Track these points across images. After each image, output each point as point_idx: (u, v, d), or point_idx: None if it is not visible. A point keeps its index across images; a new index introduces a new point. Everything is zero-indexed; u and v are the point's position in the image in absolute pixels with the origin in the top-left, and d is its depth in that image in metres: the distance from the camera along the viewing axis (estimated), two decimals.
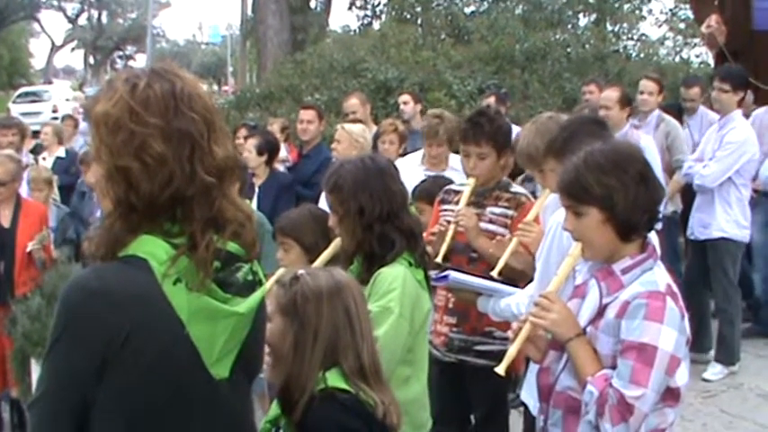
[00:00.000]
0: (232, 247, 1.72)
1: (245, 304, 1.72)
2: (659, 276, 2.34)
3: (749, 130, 5.90)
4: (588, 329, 2.36)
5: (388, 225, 2.77)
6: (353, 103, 7.09)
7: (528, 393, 3.19)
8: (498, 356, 3.72)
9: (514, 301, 3.15)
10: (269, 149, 5.93)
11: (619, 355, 2.26)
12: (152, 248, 1.64)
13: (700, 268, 6.02)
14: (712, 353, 6.02)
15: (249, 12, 21.60)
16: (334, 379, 2.06)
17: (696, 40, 16.29)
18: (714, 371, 5.88)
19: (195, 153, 1.66)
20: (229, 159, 1.72)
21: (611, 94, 6.13)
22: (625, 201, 2.29)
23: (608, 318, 2.31)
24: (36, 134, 9.54)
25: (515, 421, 4.07)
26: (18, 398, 5.33)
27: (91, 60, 56.32)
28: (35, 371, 4.90)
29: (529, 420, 3.22)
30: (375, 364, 2.13)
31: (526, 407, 3.29)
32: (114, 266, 1.65)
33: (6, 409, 5.49)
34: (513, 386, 4.04)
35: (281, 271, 3.16)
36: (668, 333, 2.23)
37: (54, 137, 8.51)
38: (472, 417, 4.01)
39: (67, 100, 28.23)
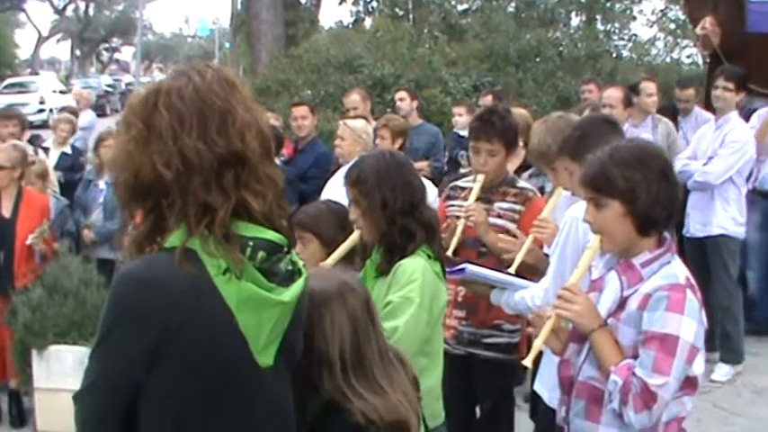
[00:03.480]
0: (274, 236, 1.74)
1: (289, 293, 1.75)
2: (678, 269, 2.41)
3: (749, 131, 5.99)
4: (609, 321, 2.42)
5: (409, 217, 2.84)
6: (354, 99, 7.08)
7: (542, 385, 3.25)
8: (507, 349, 3.82)
9: (529, 294, 3.20)
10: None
11: (641, 345, 2.32)
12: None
13: (700, 266, 6.03)
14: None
15: (239, 6, 21.48)
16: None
17: (687, 41, 16.38)
18: (722, 372, 5.88)
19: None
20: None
21: (615, 93, 6.18)
22: (648, 196, 2.37)
23: (629, 309, 2.37)
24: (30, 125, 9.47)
25: (518, 415, 4.12)
26: (17, 389, 5.33)
27: (77, 52, 55.94)
28: (36, 362, 4.91)
29: (542, 411, 3.27)
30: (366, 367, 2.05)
31: (539, 398, 3.34)
32: (163, 257, 1.68)
33: (5, 400, 5.48)
34: (517, 381, 4.09)
35: None
36: (689, 324, 2.30)
37: (69, 133, 8.42)
38: (477, 409, 4.06)
39: (54, 92, 28.08)
